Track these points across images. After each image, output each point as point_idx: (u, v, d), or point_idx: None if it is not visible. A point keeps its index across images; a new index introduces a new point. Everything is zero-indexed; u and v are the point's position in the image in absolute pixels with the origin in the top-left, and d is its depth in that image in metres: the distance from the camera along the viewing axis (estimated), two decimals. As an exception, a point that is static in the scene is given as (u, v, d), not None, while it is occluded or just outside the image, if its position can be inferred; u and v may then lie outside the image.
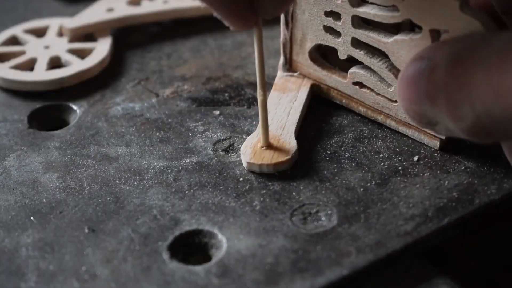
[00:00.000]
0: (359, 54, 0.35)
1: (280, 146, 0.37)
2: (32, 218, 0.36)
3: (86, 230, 0.35)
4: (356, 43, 0.35)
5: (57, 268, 0.33)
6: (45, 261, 0.33)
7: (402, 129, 0.38)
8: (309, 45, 0.37)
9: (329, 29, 0.36)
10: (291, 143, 0.37)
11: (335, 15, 0.36)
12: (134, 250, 0.34)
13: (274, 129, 0.37)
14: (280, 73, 0.39)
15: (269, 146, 0.37)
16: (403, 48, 0.33)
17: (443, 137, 0.37)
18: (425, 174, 0.36)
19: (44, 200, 0.36)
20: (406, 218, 0.34)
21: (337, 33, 0.36)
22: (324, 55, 0.39)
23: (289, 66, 0.39)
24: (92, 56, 0.46)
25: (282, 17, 0.38)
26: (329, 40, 0.36)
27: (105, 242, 0.34)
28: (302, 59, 0.38)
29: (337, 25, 0.36)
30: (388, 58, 0.35)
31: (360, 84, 0.36)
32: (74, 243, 0.34)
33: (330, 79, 0.37)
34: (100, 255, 0.33)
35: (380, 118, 0.37)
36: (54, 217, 0.35)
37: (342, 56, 0.36)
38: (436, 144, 0.37)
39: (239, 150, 0.39)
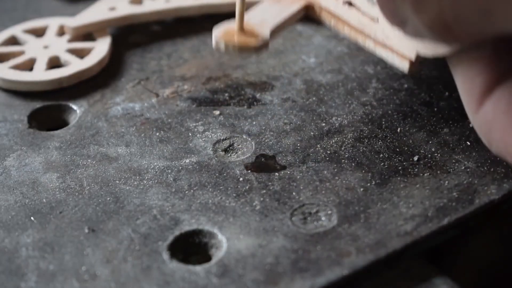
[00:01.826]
0: None
1: (253, 35, 0.37)
2: (32, 218, 0.36)
3: (86, 230, 0.35)
4: None
5: (57, 268, 0.33)
6: (45, 261, 0.33)
7: (379, 50, 0.38)
8: None
9: None
10: (265, 33, 0.37)
11: None
12: (134, 250, 0.34)
13: (254, 21, 0.38)
14: None
15: (242, 30, 0.37)
16: None
17: (412, 59, 0.37)
18: (425, 174, 0.37)
19: (44, 200, 0.36)
20: (406, 218, 0.34)
21: None
22: None
23: None
24: (91, 55, 0.46)
25: None
26: None
27: (105, 242, 0.34)
28: None
29: None
30: None
31: (349, 4, 0.37)
32: (74, 243, 0.34)
33: None
34: (100, 255, 0.33)
35: (360, 39, 0.37)
36: (54, 217, 0.35)
37: None
38: (405, 65, 0.37)
39: (239, 150, 0.39)
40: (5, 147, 0.40)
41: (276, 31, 0.38)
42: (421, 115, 0.41)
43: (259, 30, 0.37)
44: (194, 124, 0.41)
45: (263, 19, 0.38)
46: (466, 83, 0.32)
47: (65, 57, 0.46)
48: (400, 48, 0.34)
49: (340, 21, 0.37)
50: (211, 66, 0.46)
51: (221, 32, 0.36)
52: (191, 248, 0.34)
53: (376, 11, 0.35)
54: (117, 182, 0.37)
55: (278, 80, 0.44)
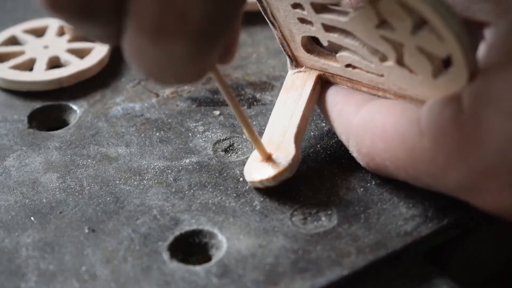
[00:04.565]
0: (334, 38, 0.35)
1: (280, 155, 0.36)
2: (32, 218, 0.36)
3: (86, 230, 0.35)
4: (328, 27, 0.35)
5: (57, 268, 0.33)
6: (45, 261, 0.33)
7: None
8: (298, 38, 0.37)
9: (303, 20, 0.36)
10: (290, 150, 0.36)
11: (301, 6, 0.36)
12: (134, 250, 0.34)
13: (276, 137, 0.37)
14: (289, 72, 0.39)
15: (269, 158, 0.36)
16: (358, 24, 0.33)
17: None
18: (425, 174, 0.36)
19: (44, 200, 0.36)
20: (406, 218, 0.34)
21: (310, 23, 0.36)
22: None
23: (296, 63, 0.38)
24: (91, 56, 0.46)
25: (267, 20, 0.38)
26: (307, 31, 0.36)
27: (105, 242, 0.34)
28: (302, 53, 0.38)
29: (305, 14, 0.36)
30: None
31: (352, 66, 0.36)
32: (74, 243, 0.34)
33: (329, 66, 0.37)
34: (100, 255, 0.33)
35: (380, 93, 0.37)
36: (54, 217, 0.35)
37: (324, 42, 0.36)
38: None
39: (239, 150, 0.39)
40: (5, 147, 0.40)
41: (300, 131, 0.37)
42: (421, 115, 0.41)
43: (284, 146, 0.36)
44: (194, 124, 0.41)
45: (283, 128, 0.37)
46: None
47: (65, 57, 0.46)
48: (417, 96, 0.33)
49: (354, 82, 0.36)
50: (211, 66, 0.46)
51: (251, 172, 0.36)
52: (191, 248, 0.34)
53: (377, 67, 0.34)
54: (117, 182, 0.37)
55: (278, 80, 0.44)
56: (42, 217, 0.36)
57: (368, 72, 0.35)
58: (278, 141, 0.36)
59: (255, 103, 0.42)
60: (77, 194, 0.37)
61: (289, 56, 0.38)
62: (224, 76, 0.45)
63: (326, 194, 0.36)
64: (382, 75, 0.34)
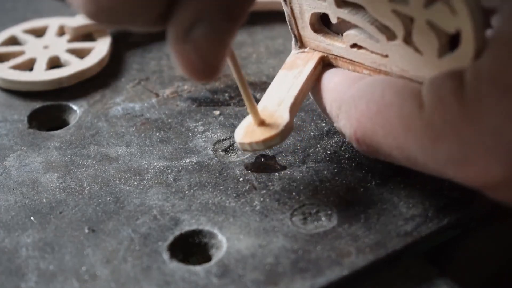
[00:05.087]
0: (344, 14, 0.35)
1: (273, 122, 0.35)
2: (32, 218, 0.35)
3: (86, 230, 0.35)
4: (340, 2, 0.35)
5: (57, 268, 0.33)
6: (45, 261, 0.33)
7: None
8: (307, 16, 0.37)
9: None
10: (284, 117, 0.35)
11: None
12: (134, 250, 0.34)
13: (271, 106, 0.36)
14: (292, 52, 0.39)
15: (262, 123, 0.35)
16: None
17: None
18: (425, 174, 0.36)
19: (44, 200, 0.36)
20: (406, 218, 0.34)
21: None
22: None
23: (300, 43, 0.38)
24: (91, 56, 0.46)
25: None
26: (318, 6, 0.36)
27: (105, 242, 0.34)
28: (308, 32, 0.38)
29: None
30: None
31: (357, 46, 0.36)
32: (74, 243, 0.34)
33: (334, 47, 0.37)
34: (100, 255, 0.33)
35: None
36: (54, 217, 0.35)
37: (333, 19, 0.36)
38: None
39: (239, 150, 0.39)
40: (5, 147, 0.40)
41: (296, 103, 0.37)
42: (421, 115, 0.41)
43: (278, 114, 0.36)
44: (194, 124, 0.41)
45: (280, 99, 0.37)
46: None
47: (65, 57, 0.46)
48: (418, 78, 0.33)
49: (356, 65, 0.36)
50: (211, 66, 0.46)
51: (242, 134, 0.36)
52: (191, 248, 0.34)
53: (383, 47, 0.34)
54: (117, 182, 0.37)
55: (278, 80, 0.44)
56: (42, 217, 0.36)
57: (372, 52, 0.35)
58: (273, 110, 0.36)
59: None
60: (77, 194, 0.37)
61: (295, 36, 0.38)
62: (225, 76, 0.45)
63: (326, 194, 0.36)
64: (386, 56, 0.34)
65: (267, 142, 0.35)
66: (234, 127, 0.40)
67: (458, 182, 0.31)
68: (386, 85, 0.33)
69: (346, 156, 0.38)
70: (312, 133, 0.40)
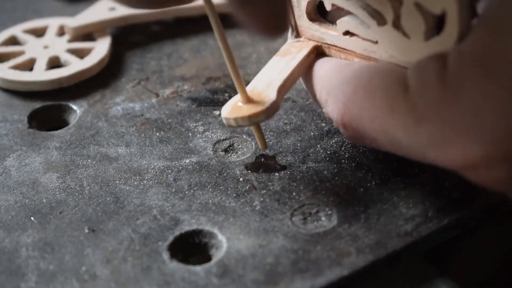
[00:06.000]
0: (338, 0, 0.36)
1: (260, 100, 0.36)
2: (32, 218, 0.36)
3: (86, 230, 0.35)
4: None
5: (57, 268, 0.33)
6: (45, 261, 0.33)
7: None
8: (304, 4, 0.38)
9: None
10: (271, 96, 0.36)
11: None
12: (134, 250, 0.34)
13: (260, 87, 0.37)
14: (287, 42, 0.40)
15: (249, 101, 0.36)
16: None
17: None
18: (425, 174, 0.36)
19: (44, 200, 0.36)
20: (406, 218, 0.34)
21: None
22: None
23: (296, 33, 0.39)
24: (91, 56, 0.46)
25: None
26: None
27: (105, 242, 0.34)
28: (304, 22, 0.38)
29: None
30: None
31: (349, 34, 0.37)
32: (74, 243, 0.34)
33: (328, 35, 0.38)
34: (100, 255, 0.33)
35: None
36: (54, 217, 0.35)
37: (328, 6, 0.37)
38: None
39: (239, 150, 0.39)
40: (5, 147, 0.40)
41: (286, 86, 0.37)
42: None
43: (265, 94, 0.36)
44: (194, 124, 0.41)
45: (269, 81, 0.37)
46: None
47: (65, 57, 0.46)
48: (405, 64, 0.34)
49: (348, 53, 0.37)
50: (211, 66, 0.46)
51: (228, 110, 0.36)
52: (191, 248, 0.34)
53: (373, 33, 0.35)
54: (117, 182, 0.37)
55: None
56: (42, 217, 0.36)
57: (363, 39, 0.36)
58: (261, 90, 0.36)
59: (255, 103, 0.42)
60: (77, 194, 0.37)
61: (291, 25, 0.39)
62: (225, 76, 0.45)
63: (326, 194, 0.36)
64: (376, 42, 0.35)
65: (252, 118, 0.35)
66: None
67: (439, 165, 0.31)
68: (373, 70, 0.34)
69: (346, 156, 0.38)
70: (312, 133, 0.40)
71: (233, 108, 0.36)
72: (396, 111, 0.31)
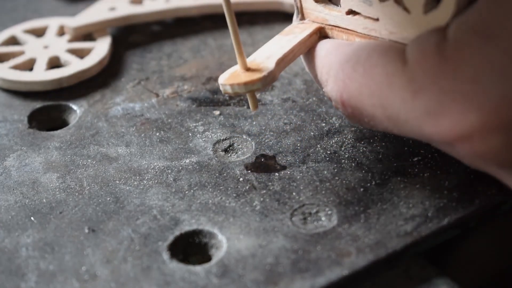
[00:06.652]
0: None
1: (258, 70, 0.36)
2: (32, 218, 0.36)
3: (86, 230, 0.35)
4: None
5: (57, 268, 0.33)
6: (45, 261, 0.33)
7: None
8: None
9: None
10: (269, 66, 0.36)
11: None
12: (134, 250, 0.34)
13: (259, 58, 0.37)
14: (292, 24, 0.40)
15: (247, 70, 0.36)
16: None
17: None
18: (425, 174, 0.37)
19: (44, 200, 0.36)
20: (406, 218, 0.34)
21: None
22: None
23: (301, 15, 0.40)
24: (91, 56, 0.46)
25: None
26: None
27: (105, 242, 0.34)
28: (309, 3, 0.39)
29: None
30: None
31: (352, 13, 0.37)
32: (74, 243, 0.34)
33: (331, 16, 0.38)
34: (100, 255, 0.33)
35: None
36: (54, 217, 0.35)
37: None
38: None
39: (239, 150, 0.39)
40: (5, 147, 0.40)
41: (285, 61, 0.37)
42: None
43: (264, 65, 0.36)
44: (194, 124, 0.41)
45: (270, 54, 0.37)
46: None
47: (65, 57, 0.46)
48: (404, 40, 0.35)
49: (350, 33, 0.37)
50: (211, 66, 0.46)
51: (226, 77, 0.36)
52: (191, 248, 0.34)
53: (375, 10, 0.35)
54: (117, 182, 0.37)
55: (278, 80, 0.44)
56: (42, 217, 0.36)
57: (365, 17, 0.36)
58: (261, 61, 0.37)
59: (255, 103, 0.42)
60: (77, 194, 0.37)
61: (297, 8, 0.39)
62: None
63: (326, 194, 0.36)
64: (377, 19, 0.36)
65: (249, 86, 0.35)
66: (234, 127, 0.41)
67: (435, 140, 0.31)
68: (372, 47, 0.34)
69: (346, 156, 0.38)
70: (312, 133, 0.40)
71: (231, 76, 0.36)
72: (394, 85, 0.31)
